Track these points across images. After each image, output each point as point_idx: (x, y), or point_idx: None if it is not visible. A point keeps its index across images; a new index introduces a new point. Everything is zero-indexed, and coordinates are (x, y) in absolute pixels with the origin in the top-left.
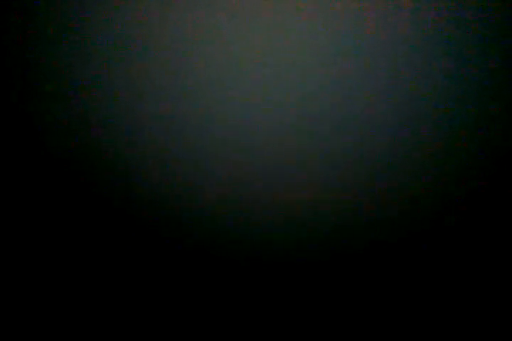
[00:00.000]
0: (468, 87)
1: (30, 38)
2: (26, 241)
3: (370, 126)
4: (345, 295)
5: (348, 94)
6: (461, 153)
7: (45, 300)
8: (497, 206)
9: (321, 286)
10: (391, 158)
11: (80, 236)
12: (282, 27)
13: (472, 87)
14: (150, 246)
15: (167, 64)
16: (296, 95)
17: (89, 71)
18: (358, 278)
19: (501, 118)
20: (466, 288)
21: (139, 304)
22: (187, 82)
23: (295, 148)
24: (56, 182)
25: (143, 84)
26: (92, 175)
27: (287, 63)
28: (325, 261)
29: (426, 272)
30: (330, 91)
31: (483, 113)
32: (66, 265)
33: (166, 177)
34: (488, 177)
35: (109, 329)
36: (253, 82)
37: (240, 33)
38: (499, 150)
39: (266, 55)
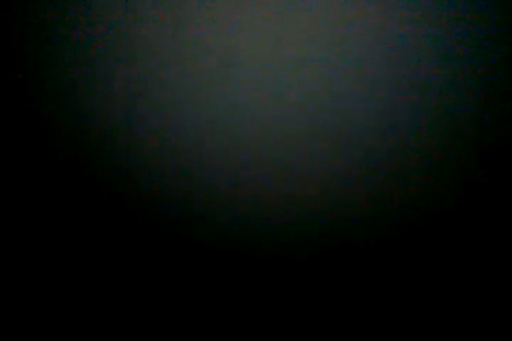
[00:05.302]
0: (469, 86)
1: (30, 38)
2: (26, 239)
3: (370, 122)
4: (343, 290)
5: (348, 90)
6: (461, 150)
7: (47, 293)
8: (497, 202)
9: (321, 281)
10: (391, 154)
11: (82, 231)
12: (282, 24)
13: (474, 87)
14: (149, 241)
15: (168, 61)
16: (296, 91)
17: (90, 71)
18: (357, 273)
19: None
20: (465, 287)
21: (137, 297)
22: (188, 78)
23: (295, 145)
24: (58, 181)
25: (145, 82)
26: (93, 170)
27: (286, 60)
28: (324, 255)
29: (424, 268)
30: (329, 88)
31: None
32: (70, 254)
33: (165, 172)
34: (489, 175)
35: (110, 324)
36: (254, 78)
37: (241, 31)
38: (499, 148)
39: (266, 49)
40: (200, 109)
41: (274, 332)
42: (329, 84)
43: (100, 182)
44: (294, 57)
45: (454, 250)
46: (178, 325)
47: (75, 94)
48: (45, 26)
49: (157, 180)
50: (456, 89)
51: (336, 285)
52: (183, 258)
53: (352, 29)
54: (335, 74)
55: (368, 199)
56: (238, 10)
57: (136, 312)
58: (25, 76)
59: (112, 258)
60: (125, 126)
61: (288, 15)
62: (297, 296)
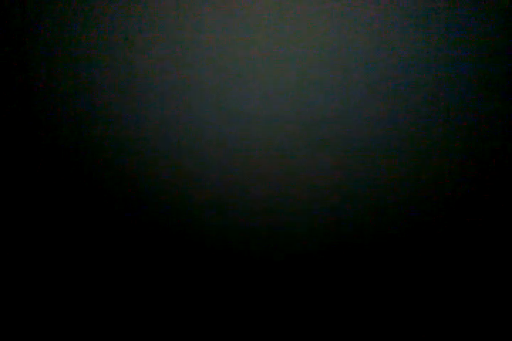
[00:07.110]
0: (470, 86)
1: (30, 37)
2: (26, 238)
3: (369, 120)
4: (341, 291)
5: (346, 90)
6: (461, 151)
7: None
8: (497, 199)
9: (320, 281)
10: (389, 152)
11: (80, 230)
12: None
13: (473, 86)
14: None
15: (167, 61)
16: (296, 90)
17: (89, 70)
18: (357, 274)
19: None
20: (465, 285)
21: (136, 298)
22: (187, 77)
23: (294, 144)
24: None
25: (145, 82)
26: (93, 169)
27: (285, 59)
28: (323, 255)
29: (424, 268)
30: (328, 88)
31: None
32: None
33: (164, 171)
34: (488, 173)
35: (111, 322)
36: (251, 77)
37: (240, 30)
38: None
39: (264, 47)
40: (199, 109)
41: (274, 332)
42: (329, 84)
43: (100, 182)
44: (293, 57)
45: (455, 250)
46: (179, 324)
47: (76, 93)
48: (44, 27)
49: (156, 179)
50: (457, 90)
51: (336, 286)
52: (183, 258)
53: (354, 29)
54: (335, 74)
55: (368, 198)
56: (237, 6)
57: (137, 312)
58: (26, 77)
59: (111, 258)
60: (125, 125)
61: (288, 14)
62: (297, 296)
